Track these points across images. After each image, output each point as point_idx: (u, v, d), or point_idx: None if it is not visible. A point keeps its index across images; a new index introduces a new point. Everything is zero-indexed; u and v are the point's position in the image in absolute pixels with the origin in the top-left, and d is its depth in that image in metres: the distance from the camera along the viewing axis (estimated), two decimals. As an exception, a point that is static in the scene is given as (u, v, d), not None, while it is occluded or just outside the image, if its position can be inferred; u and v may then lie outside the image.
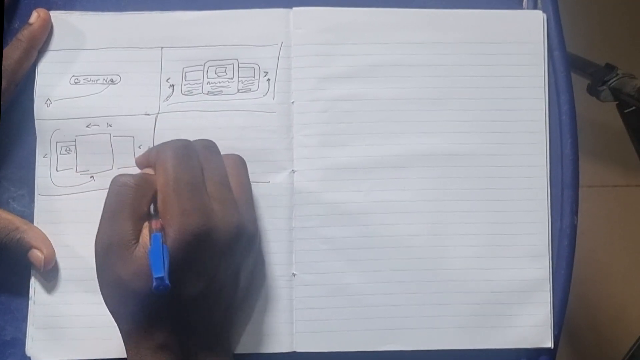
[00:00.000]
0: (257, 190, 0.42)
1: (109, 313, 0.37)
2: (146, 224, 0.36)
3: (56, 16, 0.44)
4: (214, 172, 0.37)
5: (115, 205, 0.35)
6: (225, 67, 0.43)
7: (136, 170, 0.39)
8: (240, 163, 0.40)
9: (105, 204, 0.36)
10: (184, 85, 0.43)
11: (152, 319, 0.35)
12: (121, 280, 0.35)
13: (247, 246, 0.38)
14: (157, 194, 0.36)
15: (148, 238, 0.35)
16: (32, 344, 0.41)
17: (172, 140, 0.38)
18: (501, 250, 0.43)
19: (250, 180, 0.42)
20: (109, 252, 0.35)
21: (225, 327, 0.39)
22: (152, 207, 0.36)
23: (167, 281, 0.33)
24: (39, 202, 0.42)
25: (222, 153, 0.39)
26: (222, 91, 0.43)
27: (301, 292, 0.42)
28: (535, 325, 0.42)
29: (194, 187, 0.35)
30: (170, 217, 0.35)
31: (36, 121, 0.43)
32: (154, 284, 0.33)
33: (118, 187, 0.36)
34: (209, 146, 0.39)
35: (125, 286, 0.35)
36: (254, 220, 0.39)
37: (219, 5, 0.44)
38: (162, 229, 0.34)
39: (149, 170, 0.38)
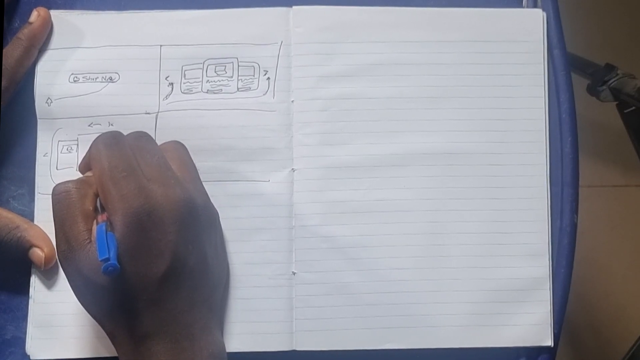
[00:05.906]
0: (257, 189, 0.42)
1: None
2: (95, 220, 0.36)
3: (56, 15, 0.44)
4: (149, 156, 0.38)
5: (61, 212, 0.36)
6: (225, 66, 0.43)
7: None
8: (179, 145, 0.41)
9: (53, 215, 0.36)
10: (184, 83, 0.43)
11: (129, 312, 0.36)
12: (87, 280, 0.35)
13: (204, 220, 0.38)
14: (97, 188, 0.37)
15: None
16: (32, 343, 0.41)
17: (101, 134, 0.38)
18: (501, 248, 0.43)
19: (250, 179, 0.42)
20: (70, 257, 0.35)
21: (210, 313, 0.39)
22: (98, 203, 0.37)
23: (114, 262, 0.33)
24: (39, 201, 0.43)
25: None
26: (221, 90, 0.43)
27: (301, 290, 0.42)
28: (535, 324, 0.42)
29: (129, 172, 0.36)
30: (111, 205, 0.35)
31: (39, 120, 0.43)
32: (102, 266, 0.33)
33: (59, 195, 0.36)
34: (141, 135, 0.39)
35: (93, 284, 0.35)
36: (203, 193, 0.40)
37: (218, 4, 0.44)
38: (108, 219, 0.35)
39: (90, 173, 0.38)
